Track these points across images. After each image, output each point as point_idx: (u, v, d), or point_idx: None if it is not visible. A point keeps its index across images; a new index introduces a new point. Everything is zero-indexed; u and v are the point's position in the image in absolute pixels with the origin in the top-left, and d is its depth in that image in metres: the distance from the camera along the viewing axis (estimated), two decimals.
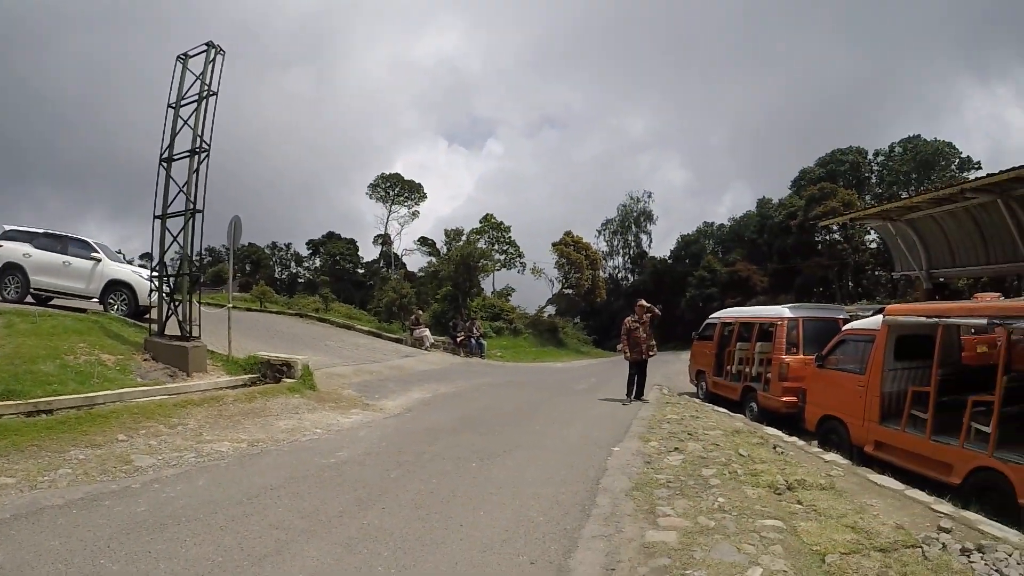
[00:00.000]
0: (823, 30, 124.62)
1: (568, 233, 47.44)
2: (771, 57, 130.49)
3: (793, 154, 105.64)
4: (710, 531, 4.06)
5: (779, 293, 45.05)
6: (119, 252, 15.23)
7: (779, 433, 8.08)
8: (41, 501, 4.26)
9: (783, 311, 11.22)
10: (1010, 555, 3.78)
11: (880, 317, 7.54)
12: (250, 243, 62.60)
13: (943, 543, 3.96)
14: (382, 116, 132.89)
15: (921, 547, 3.87)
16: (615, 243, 70.97)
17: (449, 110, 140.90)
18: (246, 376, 9.33)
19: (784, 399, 9.96)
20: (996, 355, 6.55)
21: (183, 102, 9.55)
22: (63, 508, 4.17)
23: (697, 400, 12.71)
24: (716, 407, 11.09)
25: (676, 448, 6.79)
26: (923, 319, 6.79)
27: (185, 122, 9.47)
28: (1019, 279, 13.93)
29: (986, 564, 3.67)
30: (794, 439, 7.69)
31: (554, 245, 46.40)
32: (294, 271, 69.22)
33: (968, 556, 3.78)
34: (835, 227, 44.92)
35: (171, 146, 9.48)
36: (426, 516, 4.37)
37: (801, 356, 10.06)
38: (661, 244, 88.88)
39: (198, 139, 9.29)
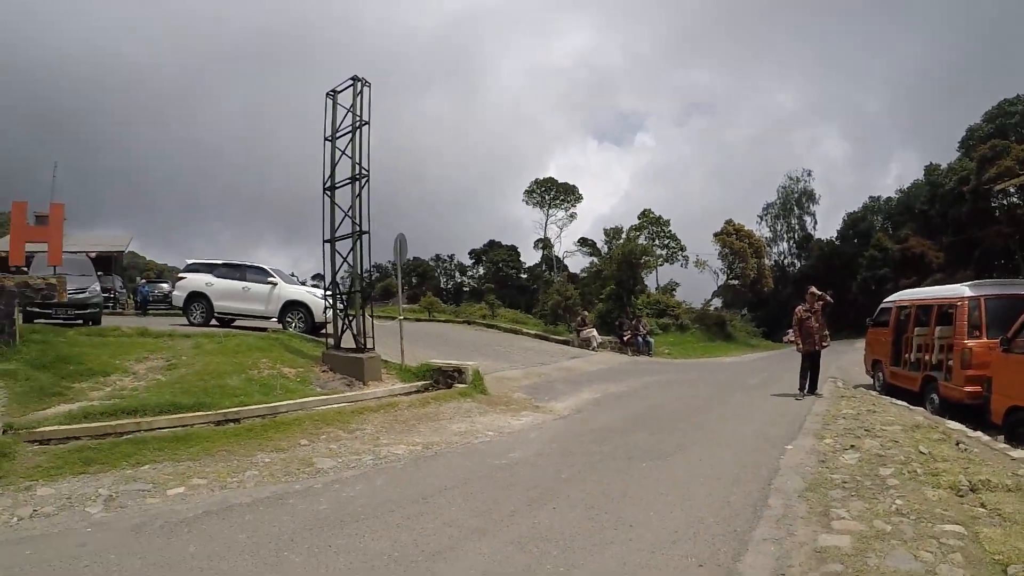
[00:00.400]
0: None
1: (729, 221, 45.12)
2: (922, 4, 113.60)
3: (960, 111, 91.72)
4: (886, 536, 3.81)
5: (957, 269, 40.23)
6: (292, 275, 16.78)
7: (962, 427, 7.36)
8: (230, 499, 4.57)
9: (963, 290, 10.02)
10: None
11: None
12: (415, 257, 66.24)
13: None
14: (528, 123, 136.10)
15: None
16: (778, 228, 67.09)
17: (594, 109, 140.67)
18: (419, 383, 9.64)
19: (967, 389, 8.94)
20: None
21: (338, 134, 10.18)
22: (250, 506, 4.43)
23: (874, 393, 11.66)
24: (894, 400, 10.18)
25: (852, 445, 6.43)
26: None
27: (343, 152, 10.08)
28: None
29: None
30: (979, 434, 6.95)
31: (715, 235, 44.40)
32: (459, 280, 72.40)
33: None
34: (1012, 189, 39.13)
35: (332, 175, 10.14)
36: (596, 516, 4.30)
37: (985, 340, 8.98)
38: (826, 224, 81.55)
39: (357, 166, 9.80)
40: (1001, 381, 7.65)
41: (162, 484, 4.85)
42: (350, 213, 9.84)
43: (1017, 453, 5.91)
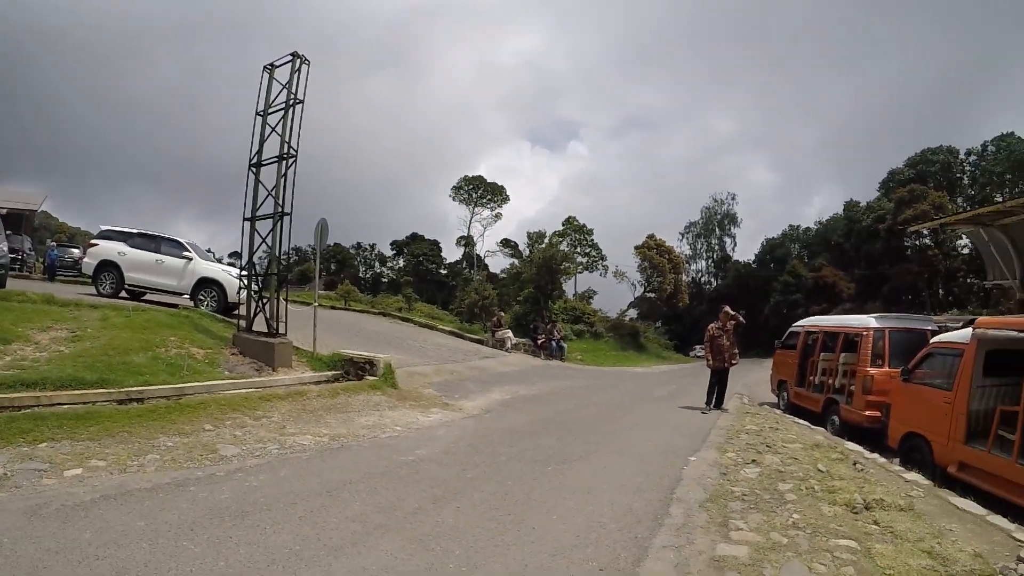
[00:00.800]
0: (916, 23, 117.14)
1: (651, 236, 46.99)
2: (862, 52, 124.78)
3: (884, 154, 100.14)
4: (782, 548, 3.98)
5: (866, 301, 43.55)
6: (209, 251, 16.18)
7: (860, 449, 7.82)
8: (129, 484, 4.42)
9: (869, 321, 10.85)
10: None
11: (970, 330, 7.10)
12: (336, 243, 65.08)
13: (1021, 574, 3.74)
14: (466, 118, 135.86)
15: None
16: (698, 246, 70.46)
17: (532, 112, 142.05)
18: (330, 372, 9.51)
19: (867, 413, 9.68)
20: None
21: (271, 110, 9.89)
22: (150, 491, 4.31)
23: (778, 411, 12.36)
24: (797, 419, 10.83)
25: (753, 460, 6.67)
26: (1015, 333, 6.29)
27: (273, 129, 9.80)
28: None
29: None
30: (875, 456, 7.43)
31: (636, 248, 46.11)
32: (378, 271, 71.68)
33: None
34: (925, 232, 43.09)
35: (260, 152, 9.84)
36: (500, 517, 4.36)
37: (887, 369, 9.72)
38: (746, 247, 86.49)
39: (286, 145, 9.58)
40: (899, 408, 8.26)
41: (59, 464, 4.65)
42: (274, 192, 9.59)
43: (910, 475, 6.36)
